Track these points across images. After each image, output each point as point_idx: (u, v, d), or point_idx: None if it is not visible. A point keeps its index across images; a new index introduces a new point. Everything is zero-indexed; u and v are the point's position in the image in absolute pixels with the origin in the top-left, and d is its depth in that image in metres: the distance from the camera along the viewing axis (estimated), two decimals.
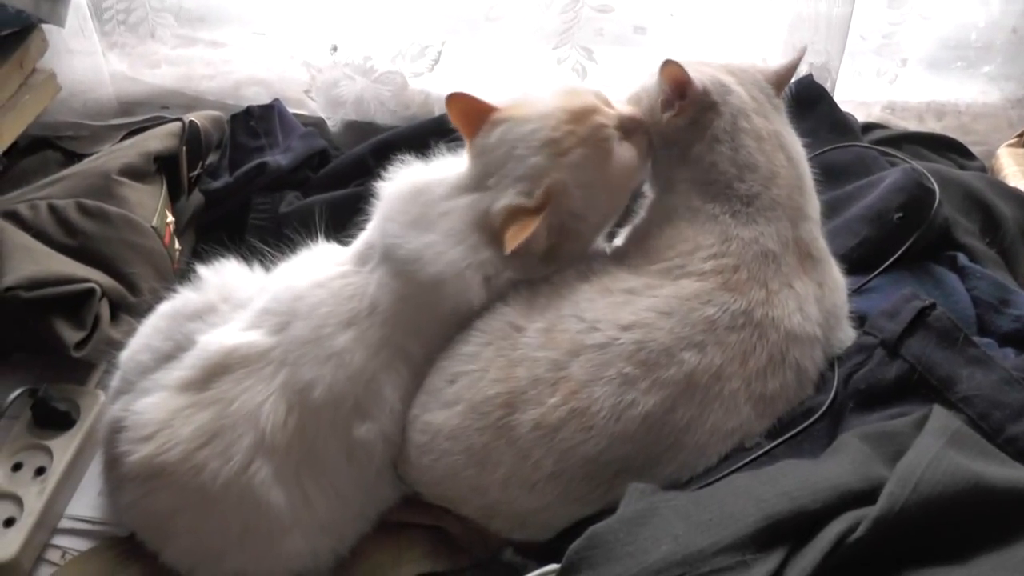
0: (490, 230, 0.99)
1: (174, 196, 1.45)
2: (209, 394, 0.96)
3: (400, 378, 0.98)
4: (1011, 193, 1.29)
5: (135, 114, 1.60)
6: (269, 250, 1.11)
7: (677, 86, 1.02)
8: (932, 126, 1.52)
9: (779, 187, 1.00)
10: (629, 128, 1.03)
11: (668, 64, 1.01)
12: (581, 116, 1.00)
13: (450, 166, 1.05)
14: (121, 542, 1.03)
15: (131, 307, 1.26)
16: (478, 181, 1.01)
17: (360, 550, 1.01)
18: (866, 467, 0.81)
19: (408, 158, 1.07)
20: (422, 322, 0.99)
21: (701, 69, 1.04)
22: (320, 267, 1.04)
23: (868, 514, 0.74)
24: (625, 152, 1.01)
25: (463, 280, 0.97)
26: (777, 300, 0.95)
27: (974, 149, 1.47)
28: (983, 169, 1.43)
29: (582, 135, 0.99)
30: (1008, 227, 1.23)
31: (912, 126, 1.52)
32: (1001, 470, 0.78)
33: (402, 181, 1.05)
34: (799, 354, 0.95)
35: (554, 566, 0.80)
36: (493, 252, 0.98)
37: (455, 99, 1.04)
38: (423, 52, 1.49)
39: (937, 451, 0.78)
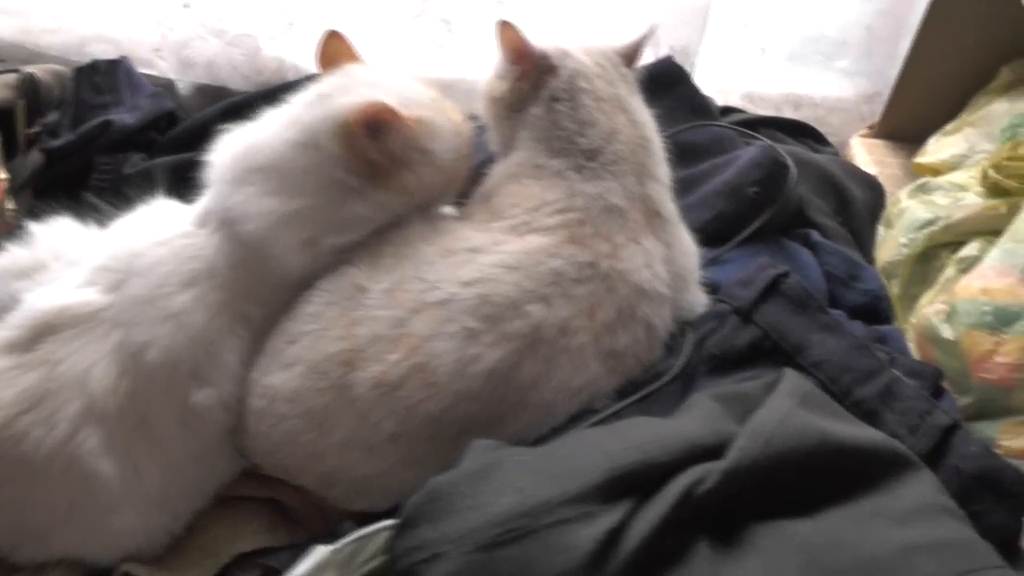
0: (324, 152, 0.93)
1: (10, 153, 1.33)
2: (35, 355, 0.88)
3: (241, 342, 0.92)
4: (862, 177, 1.33)
5: None
6: (111, 212, 1.03)
7: (515, 50, 1.02)
8: (789, 116, 1.55)
9: (621, 143, 1.00)
10: None
11: (504, 28, 1.00)
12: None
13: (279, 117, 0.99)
14: None
15: None
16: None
17: (197, 526, 0.95)
18: (717, 423, 0.81)
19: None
20: (258, 287, 0.94)
21: (546, 41, 1.04)
22: (162, 225, 0.97)
23: (718, 467, 0.73)
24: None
25: (277, 241, 0.92)
26: (624, 254, 0.94)
27: (830, 139, 1.50)
28: (836, 155, 1.46)
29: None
30: (858, 208, 1.26)
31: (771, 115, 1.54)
32: (848, 428, 0.79)
33: (231, 141, 0.99)
34: (648, 310, 0.94)
35: (391, 521, 0.76)
36: (316, 196, 0.93)
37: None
38: (279, 15, 1.43)
39: (788, 410, 0.78)
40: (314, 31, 1.43)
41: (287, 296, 0.94)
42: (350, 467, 0.88)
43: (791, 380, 0.84)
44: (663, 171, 1.04)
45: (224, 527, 0.95)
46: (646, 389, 0.92)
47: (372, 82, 0.99)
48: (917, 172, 1.33)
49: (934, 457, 0.83)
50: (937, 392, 0.95)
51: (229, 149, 0.98)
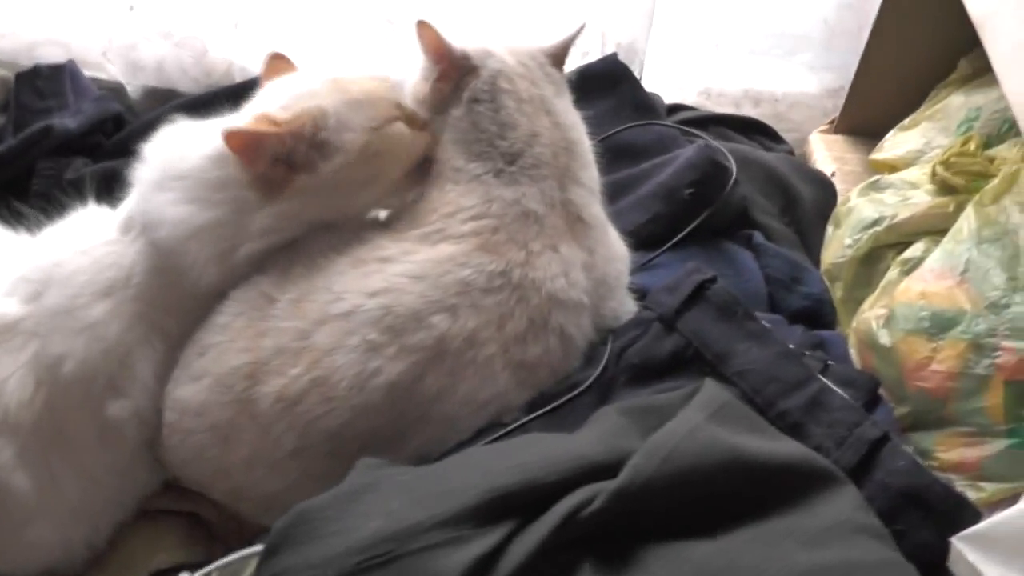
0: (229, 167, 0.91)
1: None
2: None
3: (155, 353, 0.91)
4: (812, 175, 1.29)
5: None
6: (52, 218, 1.01)
7: (435, 50, 0.99)
8: (749, 113, 1.52)
9: (542, 146, 0.97)
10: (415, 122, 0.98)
11: (423, 28, 0.98)
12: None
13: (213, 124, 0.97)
14: None
15: None
16: None
17: (116, 540, 0.94)
18: (617, 439, 0.77)
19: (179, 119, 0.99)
20: (173, 297, 0.92)
21: (469, 41, 1.01)
22: (85, 233, 0.96)
23: (607, 487, 0.69)
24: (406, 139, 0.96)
25: (188, 252, 0.90)
26: (538, 262, 0.91)
27: (789, 135, 1.47)
28: (791, 152, 1.43)
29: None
30: (805, 207, 1.23)
31: (730, 112, 1.51)
32: (763, 443, 0.75)
33: (160, 140, 0.97)
34: (563, 320, 0.91)
35: (259, 547, 0.73)
36: (225, 209, 0.91)
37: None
38: (224, 16, 1.41)
39: (696, 423, 0.75)
40: (260, 32, 1.45)
41: (205, 306, 0.92)
42: (256, 483, 0.87)
43: (707, 391, 0.80)
44: (589, 175, 1.01)
45: (142, 541, 0.95)
46: (557, 401, 0.89)
47: (272, 92, 0.97)
48: (875, 169, 1.28)
49: (861, 472, 0.79)
50: (873, 402, 0.91)
51: (159, 150, 0.97)
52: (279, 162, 0.90)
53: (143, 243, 0.92)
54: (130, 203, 0.97)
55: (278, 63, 1.03)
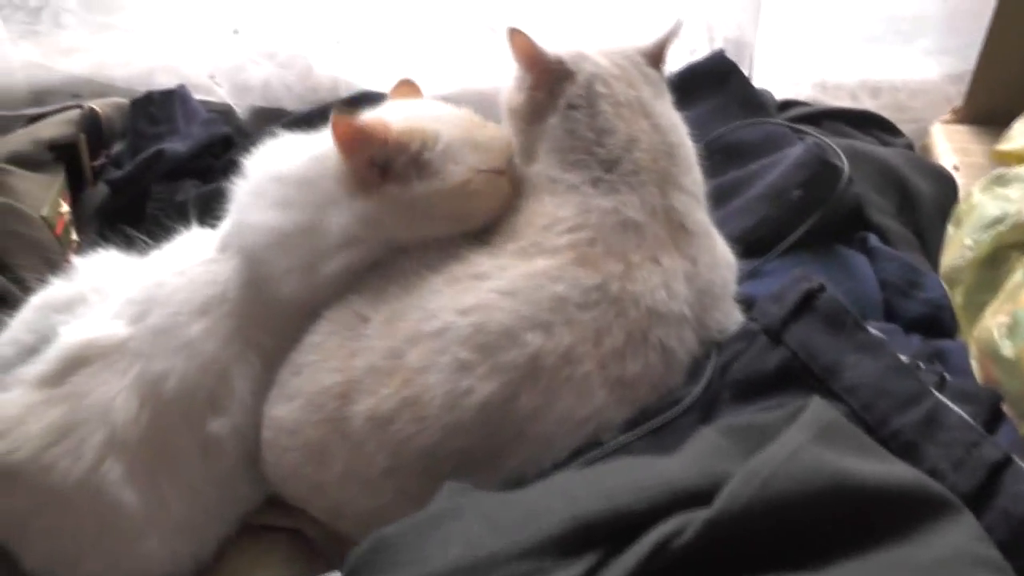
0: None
1: (78, 186, 1.40)
2: (63, 389, 0.91)
3: (252, 370, 0.93)
4: (931, 170, 1.21)
5: (47, 103, 1.54)
6: (164, 240, 1.05)
7: (527, 58, 0.97)
8: (867, 104, 1.43)
9: (641, 151, 0.94)
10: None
11: (514, 35, 0.95)
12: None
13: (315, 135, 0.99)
14: None
15: (16, 299, 1.19)
16: None
17: (220, 555, 0.96)
18: (713, 463, 0.72)
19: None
20: (266, 313, 0.94)
21: (563, 46, 0.99)
22: (186, 254, 0.99)
23: (700, 516, 0.65)
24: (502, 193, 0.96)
25: (271, 263, 0.92)
26: (638, 274, 0.88)
27: (910, 127, 1.39)
28: (910, 146, 1.34)
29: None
30: (925, 205, 1.15)
31: (845, 105, 1.43)
32: (873, 466, 0.70)
33: (260, 152, 1.00)
34: (663, 334, 0.88)
35: (337, 573, 0.73)
36: (309, 211, 0.92)
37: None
38: (326, 33, 1.43)
39: (799, 445, 0.70)
40: (363, 46, 1.46)
41: (299, 324, 0.93)
42: (351, 500, 0.87)
43: (814, 410, 0.75)
44: (691, 179, 0.97)
45: (246, 557, 0.96)
46: (657, 420, 0.86)
47: (389, 107, 0.98)
48: (999, 161, 1.18)
49: (981, 497, 0.73)
50: (994, 419, 0.84)
51: (258, 161, 0.99)
52: (375, 166, 0.90)
53: (238, 259, 0.95)
54: (229, 219, 0.99)
55: (406, 88, 1.05)
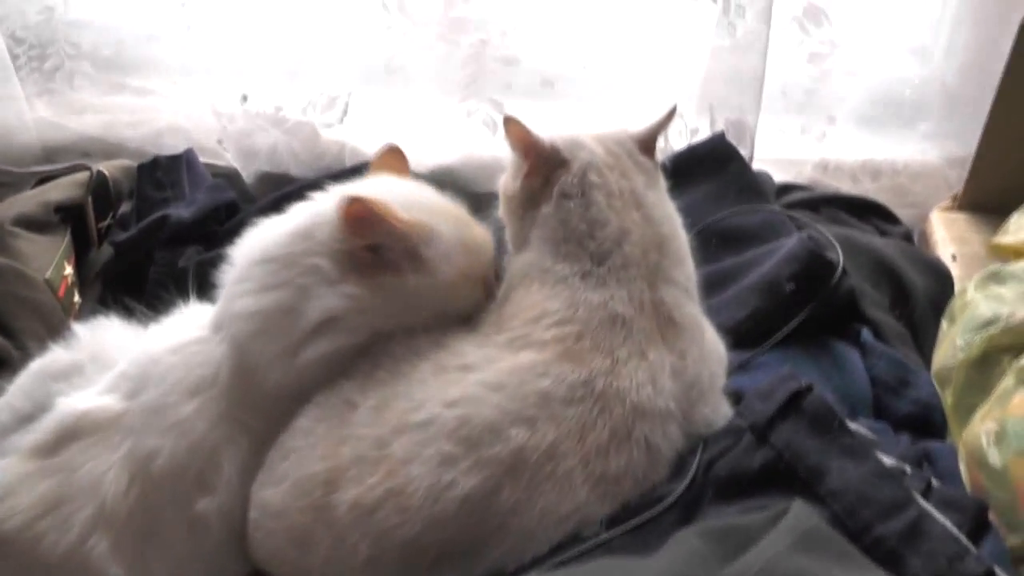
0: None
1: (83, 248, 1.42)
2: (56, 461, 0.92)
3: (241, 451, 0.93)
4: (927, 263, 1.21)
5: (58, 161, 1.58)
6: (165, 308, 1.06)
7: (522, 145, 0.98)
8: (867, 187, 1.44)
9: (631, 244, 0.94)
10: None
11: (509, 123, 0.96)
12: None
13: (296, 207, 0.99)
14: None
15: (17, 362, 1.20)
16: None
17: None
18: (691, 569, 0.73)
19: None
20: (254, 396, 0.94)
21: (558, 132, 1.00)
22: (180, 331, 1.00)
23: None
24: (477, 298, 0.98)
25: (253, 350, 0.92)
26: (624, 370, 0.88)
27: (911, 211, 1.39)
28: (908, 235, 1.34)
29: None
30: (918, 298, 1.15)
31: (845, 186, 1.44)
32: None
33: (243, 239, 1.00)
34: (648, 430, 0.87)
35: None
36: (289, 289, 0.92)
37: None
38: (332, 103, 1.45)
39: (777, 552, 0.70)
40: (369, 115, 1.48)
41: (290, 408, 0.93)
42: None
43: (796, 514, 0.75)
44: (682, 272, 0.97)
45: None
46: (638, 518, 0.85)
47: (388, 187, 0.98)
48: (995, 254, 1.18)
49: None
50: (980, 529, 0.83)
51: (241, 248, 0.99)
52: (370, 250, 0.91)
53: (227, 345, 0.95)
54: (220, 300, 0.99)
55: (390, 158, 1.06)
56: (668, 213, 1.00)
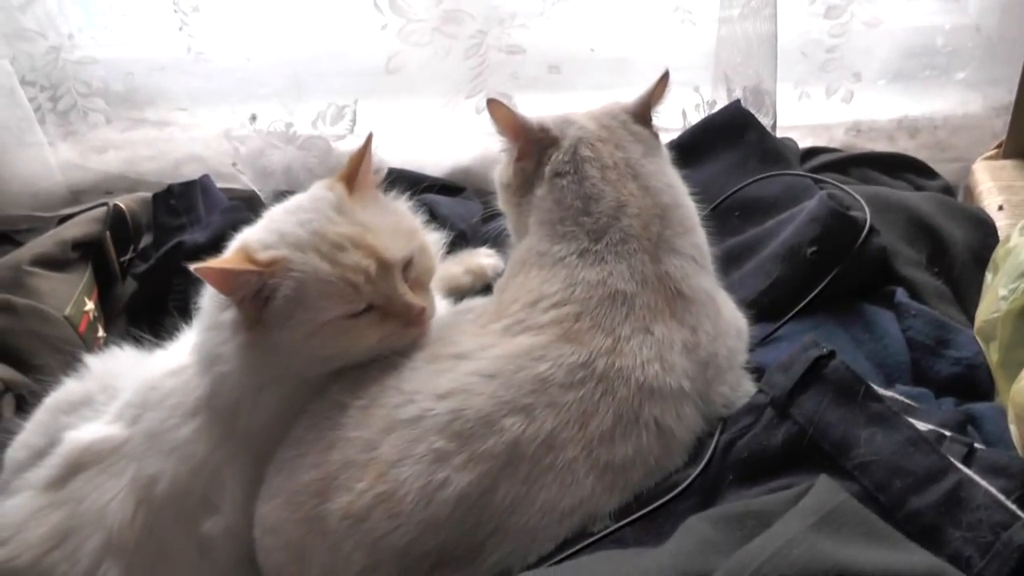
0: None
1: (107, 282, 1.42)
2: (64, 493, 0.94)
3: (244, 470, 0.91)
4: (965, 214, 1.12)
5: (83, 201, 1.58)
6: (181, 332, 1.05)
7: (510, 127, 0.95)
8: (905, 145, 1.35)
9: (630, 216, 0.89)
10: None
11: (493, 105, 0.93)
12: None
13: None
14: None
15: (38, 399, 1.21)
16: None
17: None
18: (697, 558, 0.67)
19: None
20: (251, 417, 0.91)
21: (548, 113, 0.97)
22: (179, 356, 0.99)
23: None
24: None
25: (223, 395, 0.90)
26: (627, 348, 0.83)
27: (953, 166, 1.30)
28: (947, 188, 1.25)
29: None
30: (958, 252, 1.06)
31: (881, 147, 1.35)
32: (883, 555, 0.63)
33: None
34: (658, 411, 0.82)
35: None
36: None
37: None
38: (340, 112, 1.43)
39: (795, 535, 0.64)
40: (378, 123, 1.45)
41: (288, 420, 0.90)
42: None
43: (818, 492, 0.69)
44: (690, 242, 0.92)
45: None
46: (648, 508, 0.79)
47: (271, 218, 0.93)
48: None
49: None
50: None
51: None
52: (258, 296, 0.86)
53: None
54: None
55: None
56: (669, 182, 0.95)
